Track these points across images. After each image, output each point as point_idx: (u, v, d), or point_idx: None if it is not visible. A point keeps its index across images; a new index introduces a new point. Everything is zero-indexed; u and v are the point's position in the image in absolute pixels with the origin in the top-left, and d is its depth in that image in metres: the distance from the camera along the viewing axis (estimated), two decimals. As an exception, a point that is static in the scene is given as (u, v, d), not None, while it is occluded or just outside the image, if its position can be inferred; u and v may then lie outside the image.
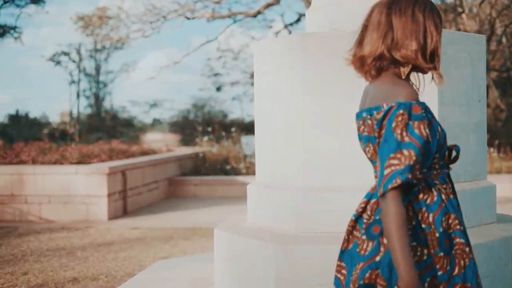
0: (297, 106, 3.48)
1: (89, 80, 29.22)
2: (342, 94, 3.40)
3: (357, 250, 1.93)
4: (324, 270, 3.09)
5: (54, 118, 30.30)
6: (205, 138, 16.06)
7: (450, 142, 2.38)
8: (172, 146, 16.46)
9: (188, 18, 17.87)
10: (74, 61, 28.53)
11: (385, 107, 1.83)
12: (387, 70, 1.94)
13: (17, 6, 20.60)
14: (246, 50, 22.11)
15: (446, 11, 15.97)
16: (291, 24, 19.61)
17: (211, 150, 14.38)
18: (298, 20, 19.40)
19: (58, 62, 28.21)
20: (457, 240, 1.93)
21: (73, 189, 9.06)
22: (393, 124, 1.80)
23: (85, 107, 29.70)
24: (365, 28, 1.98)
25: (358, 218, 1.99)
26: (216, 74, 24.34)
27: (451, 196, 1.97)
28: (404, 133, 1.79)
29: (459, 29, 15.41)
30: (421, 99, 1.90)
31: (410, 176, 1.77)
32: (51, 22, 52.32)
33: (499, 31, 16.33)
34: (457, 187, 2.37)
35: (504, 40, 16.67)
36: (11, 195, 9.15)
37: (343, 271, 1.99)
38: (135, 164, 10.34)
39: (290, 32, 19.04)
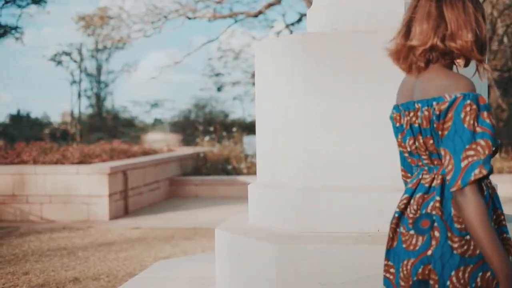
0: (297, 106, 3.48)
1: (90, 80, 29.26)
2: (342, 94, 3.40)
3: (404, 246, 1.89)
4: (324, 269, 3.09)
5: (55, 118, 30.38)
6: (206, 138, 16.05)
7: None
8: (173, 146, 16.47)
9: (189, 18, 17.87)
10: (75, 61, 28.58)
11: (448, 98, 1.78)
12: (436, 62, 1.89)
13: (18, 6, 20.63)
14: (247, 50, 22.12)
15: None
16: (292, 24, 19.59)
17: (212, 150, 14.36)
18: (299, 20, 19.39)
19: (59, 62, 28.23)
20: (505, 235, 1.90)
21: (74, 189, 9.06)
22: (462, 115, 1.75)
23: (86, 107, 29.77)
24: (411, 19, 1.92)
25: (401, 214, 1.94)
26: (217, 74, 24.34)
27: (495, 191, 1.95)
28: (476, 123, 1.74)
29: (460, 29, 15.36)
30: None
31: (491, 166, 1.73)
32: (52, 22, 52.38)
33: (500, 31, 16.32)
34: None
35: (505, 40, 16.66)
36: (12, 195, 9.16)
37: (392, 270, 1.96)
38: (136, 164, 10.34)
39: (291, 32, 19.03)
